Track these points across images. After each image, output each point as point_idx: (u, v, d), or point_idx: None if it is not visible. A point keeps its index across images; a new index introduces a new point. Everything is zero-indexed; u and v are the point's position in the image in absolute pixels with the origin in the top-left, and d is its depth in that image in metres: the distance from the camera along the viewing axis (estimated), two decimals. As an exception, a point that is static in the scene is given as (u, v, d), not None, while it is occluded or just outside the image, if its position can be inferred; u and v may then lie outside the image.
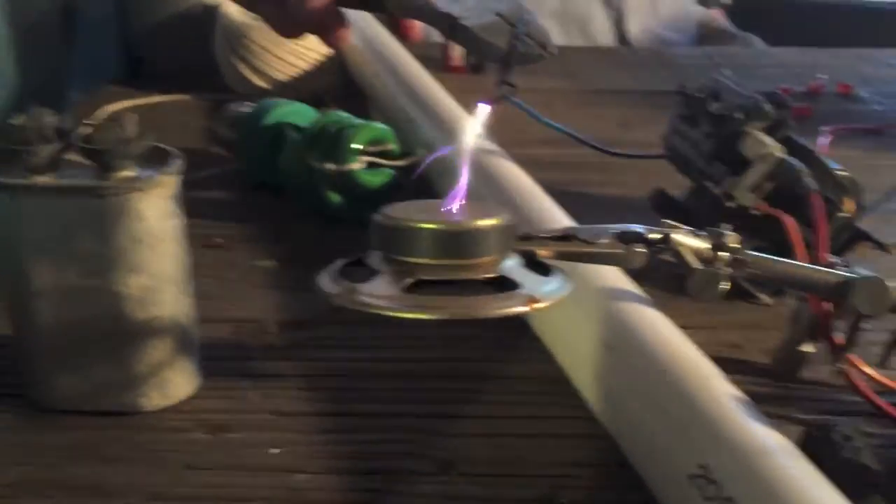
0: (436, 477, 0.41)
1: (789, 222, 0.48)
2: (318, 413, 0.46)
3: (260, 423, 0.45)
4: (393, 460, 0.42)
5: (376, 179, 0.64)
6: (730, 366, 0.47)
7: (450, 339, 0.51)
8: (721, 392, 0.37)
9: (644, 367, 0.39)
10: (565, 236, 0.35)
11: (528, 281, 0.31)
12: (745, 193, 0.53)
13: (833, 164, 0.55)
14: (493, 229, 0.31)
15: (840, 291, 0.42)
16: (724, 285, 0.36)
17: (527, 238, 0.34)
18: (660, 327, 0.41)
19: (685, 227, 0.38)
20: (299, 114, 0.69)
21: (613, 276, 0.44)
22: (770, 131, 0.56)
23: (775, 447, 0.34)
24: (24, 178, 0.40)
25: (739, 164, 0.55)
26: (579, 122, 0.82)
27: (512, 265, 0.31)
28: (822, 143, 0.80)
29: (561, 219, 0.49)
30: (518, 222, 0.33)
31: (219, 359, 0.49)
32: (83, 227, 0.41)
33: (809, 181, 0.51)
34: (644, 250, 0.35)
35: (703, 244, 0.38)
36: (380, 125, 0.65)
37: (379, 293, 0.30)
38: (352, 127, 0.63)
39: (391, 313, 0.29)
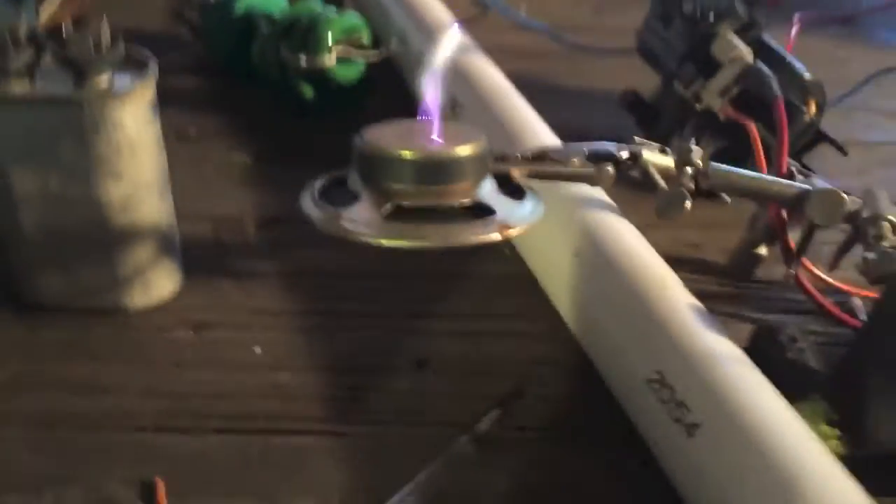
0: (411, 374, 0.43)
1: (753, 130, 0.50)
2: (297, 312, 0.48)
3: (242, 321, 0.47)
4: (370, 357, 0.45)
5: (350, 72, 0.64)
6: (688, 265, 0.50)
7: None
8: (678, 301, 0.39)
9: (609, 275, 0.42)
10: (538, 156, 0.36)
11: (502, 206, 0.33)
12: (714, 97, 0.54)
13: (800, 66, 0.57)
14: (470, 157, 0.32)
15: (797, 202, 0.44)
16: (688, 203, 0.38)
17: (502, 159, 0.36)
18: (625, 235, 0.43)
19: (653, 143, 0.40)
20: (270, 1, 0.68)
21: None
22: (741, 32, 0.57)
23: (726, 355, 0.37)
24: (-1, 87, 0.40)
25: (710, 66, 0.56)
26: (552, 5, 0.81)
27: (487, 190, 0.33)
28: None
29: (540, 130, 0.50)
30: (492, 145, 0.34)
31: (199, 257, 0.51)
32: (62, 135, 0.41)
33: (775, 87, 0.52)
34: (612, 170, 0.37)
35: (669, 161, 0.40)
36: (353, 16, 0.65)
37: (360, 219, 0.31)
38: (324, 19, 0.63)
39: (372, 241, 0.31)
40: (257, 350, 0.45)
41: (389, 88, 0.66)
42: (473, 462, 0.39)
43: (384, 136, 0.32)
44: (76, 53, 0.40)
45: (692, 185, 0.40)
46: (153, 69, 0.42)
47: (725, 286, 0.51)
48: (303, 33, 0.63)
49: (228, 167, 0.60)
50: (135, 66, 0.43)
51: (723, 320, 0.40)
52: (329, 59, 0.63)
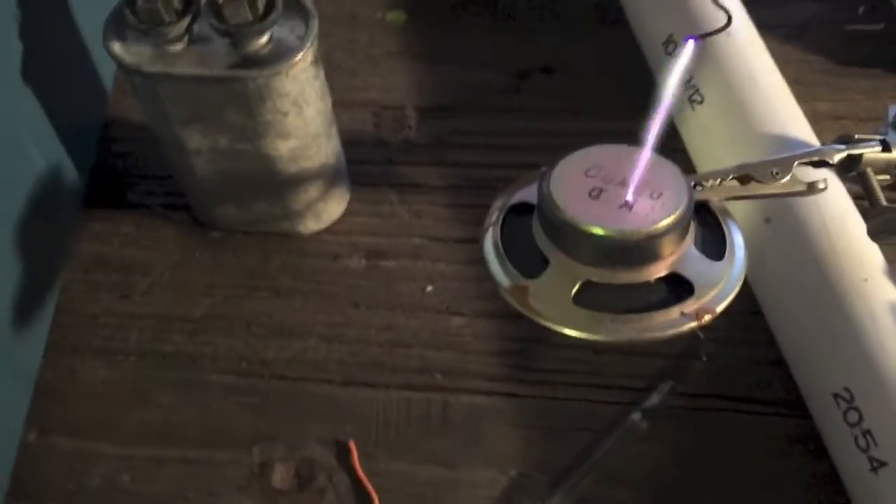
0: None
1: None
2: (466, 239, 0.48)
3: (411, 249, 0.47)
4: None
5: None
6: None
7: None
8: (879, 300, 0.37)
9: (802, 251, 0.39)
10: (739, 177, 0.32)
11: (701, 273, 0.30)
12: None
13: None
14: (671, 228, 0.29)
15: None
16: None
17: (699, 184, 0.32)
18: (828, 199, 0.39)
19: (872, 138, 0.35)
20: None
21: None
22: None
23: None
24: (160, 61, 0.38)
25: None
26: None
27: (686, 256, 0.30)
28: None
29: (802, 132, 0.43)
30: (690, 174, 0.31)
31: (363, 161, 0.50)
32: (227, 105, 0.39)
33: None
34: (825, 186, 0.33)
35: (893, 154, 0.35)
36: None
37: (549, 298, 0.30)
38: None
39: (560, 328, 0.29)
40: (429, 288, 0.46)
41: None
42: (645, 437, 0.40)
43: (578, 195, 0.29)
44: (233, 21, 0.37)
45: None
46: (314, 24, 0.39)
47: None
48: None
49: (384, 33, 0.57)
50: (295, 14, 0.39)
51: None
52: None
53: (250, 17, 0.37)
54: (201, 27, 0.39)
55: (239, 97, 0.39)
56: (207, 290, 0.46)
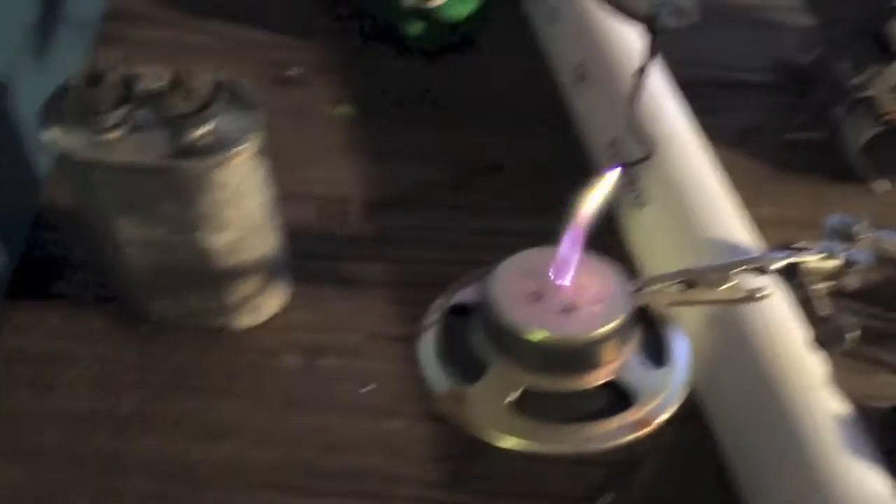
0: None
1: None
2: (410, 337, 0.46)
3: (352, 346, 0.46)
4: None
5: (462, 10, 0.58)
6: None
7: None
8: (824, 413, 0.36)
9: (744, 352, 0.38)
10: (679, 283, 0.32)
11: (643, 379, 0.29)
12: (886, 94, 0.47)
13: None
14: (614, 333, 0.28)
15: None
16: (853, 335, 0.33)
17: (639, 289, 0.32)
18: (766, 310, 0.39)
19: (812, 246, 0.35)
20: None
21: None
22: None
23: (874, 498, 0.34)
24: (96, 148, 0.37)
25: (885, 49, 0.48)
26: None
27: (627, 363, 0.29)
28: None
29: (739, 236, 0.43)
30: (634, 285, 0.31)
31: (306, 256, 0.49)
32: (163, 195, 0.38)
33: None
34: (766, 294, 0.32)
35: (833, 262, 0.35)
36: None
37: (484, 405, 0.28)
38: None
39: (494, 439, 0.28)
40: (367, 389, 0.44)
41: (505, 19, 0.60)
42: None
43: (517, 298, 0.29)
44: (171, 112, 0.36)
45: (857, 284, 0.35)
46: (260, 115, 0.38)
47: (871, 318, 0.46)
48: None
49: (332, 125, 0.57)
50: (239, 104, 0.39)
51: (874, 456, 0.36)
52: (439, 1, 0.56)
53: (190, 108, 0.37)
54: (141, 115, 0.38)
55: (175, 187, 0.38)
56: (134, 385, 0.44)
